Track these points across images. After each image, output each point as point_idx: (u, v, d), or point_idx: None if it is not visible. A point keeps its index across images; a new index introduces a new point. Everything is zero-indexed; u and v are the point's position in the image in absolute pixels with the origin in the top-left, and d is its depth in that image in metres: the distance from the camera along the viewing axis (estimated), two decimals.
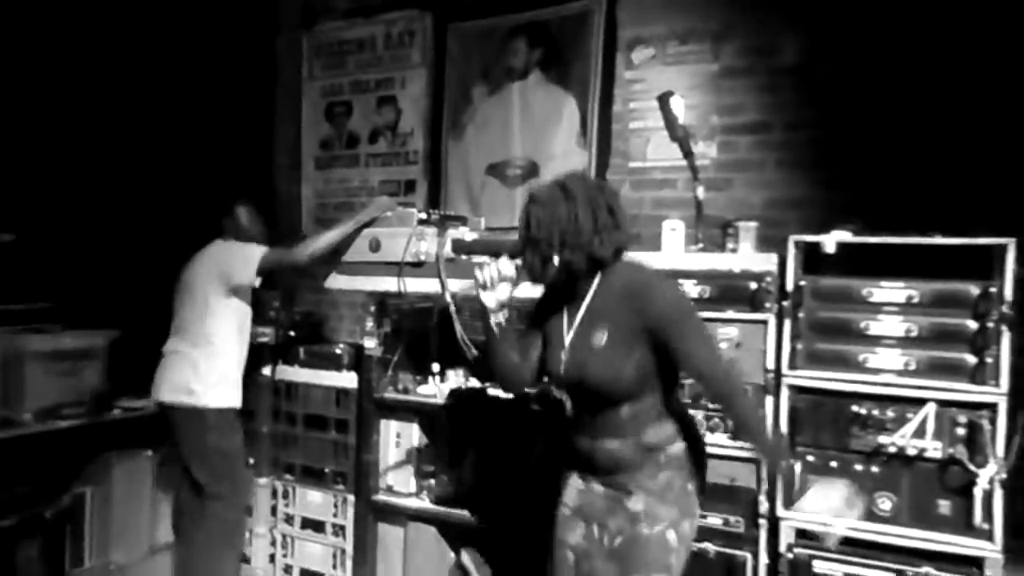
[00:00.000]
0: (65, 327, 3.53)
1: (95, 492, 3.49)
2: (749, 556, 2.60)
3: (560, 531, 2.16)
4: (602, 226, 1.95)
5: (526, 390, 2.54)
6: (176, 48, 4.06)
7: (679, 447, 2.05)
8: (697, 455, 2.10)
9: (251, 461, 3.52)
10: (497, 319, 2.13)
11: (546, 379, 2.23)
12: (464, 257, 2.89)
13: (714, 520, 2.65)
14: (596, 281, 2.04)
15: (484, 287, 2.11)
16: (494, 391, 3.08)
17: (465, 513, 3.03)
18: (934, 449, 2.38)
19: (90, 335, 3.57)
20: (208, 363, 3.05)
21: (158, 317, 3.23)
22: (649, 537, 1.98)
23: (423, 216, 3.03)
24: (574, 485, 2.15)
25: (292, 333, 3.77)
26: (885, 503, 2.45)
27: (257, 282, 3.14)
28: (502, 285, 2.11)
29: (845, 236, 2.54)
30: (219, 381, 3.07)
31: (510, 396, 3.00)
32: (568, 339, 2.06)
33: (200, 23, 4.15)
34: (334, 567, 3.40)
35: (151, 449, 3.67)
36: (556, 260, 1.97)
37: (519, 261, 2.09)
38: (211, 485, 3.05)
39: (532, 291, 2.21)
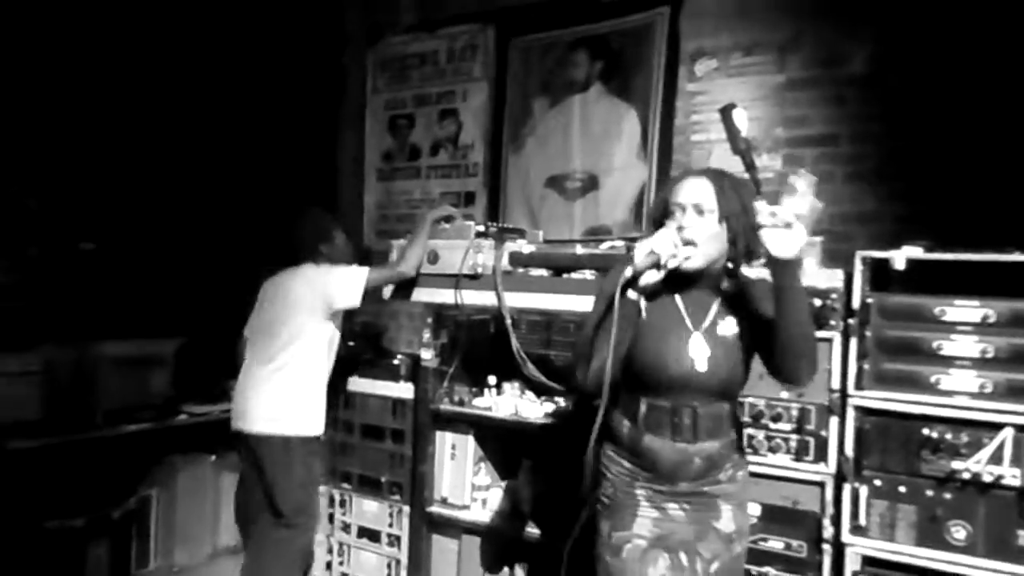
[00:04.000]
0: (137, 333, 3.64)
1: (160, 495, 3.58)
2: None
3: (638, 566, 1.94)
4: None
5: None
6: (249, 63, 4.19)
7: (736, 439, 2.04)
8: None
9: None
10: (635, 296, 1.86)
11: (634, 381, 1.98)
12: (521, 270, 2.89)
13: (776, 544, 2.57)
14: (728, 280, 1.99)
15: (658, 265, 1.83)
16: (549, 405, 3.07)
17: (518, 528, 3.00)
18: (1012, 476, 2.26)
19: (159, 342, 3.67)
20: (299, 391, 2.99)
21: (223, 324, 3.29)
22: (742, 555, 2.00)
23: (481, 228, 3.03)
24: (646, 514, 1.97)
25: (351, 343, 3.81)
26: (959, 532, 2.33)
27: (354, 306, 3.03)
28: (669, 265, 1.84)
29: (916, 252, 2.44)
30: (308, 408, 3.01)
31: (569, 407, 2.98)
32: (701, 333, 1.93)
33: (272, 39, 4.27)
34: None
35: (214, 454, 3.75)
36: (747, 254, 1.89)
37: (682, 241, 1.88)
38: (290, 516, 3.00)
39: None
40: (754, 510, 2.59)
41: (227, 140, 4.12)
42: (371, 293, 3.03)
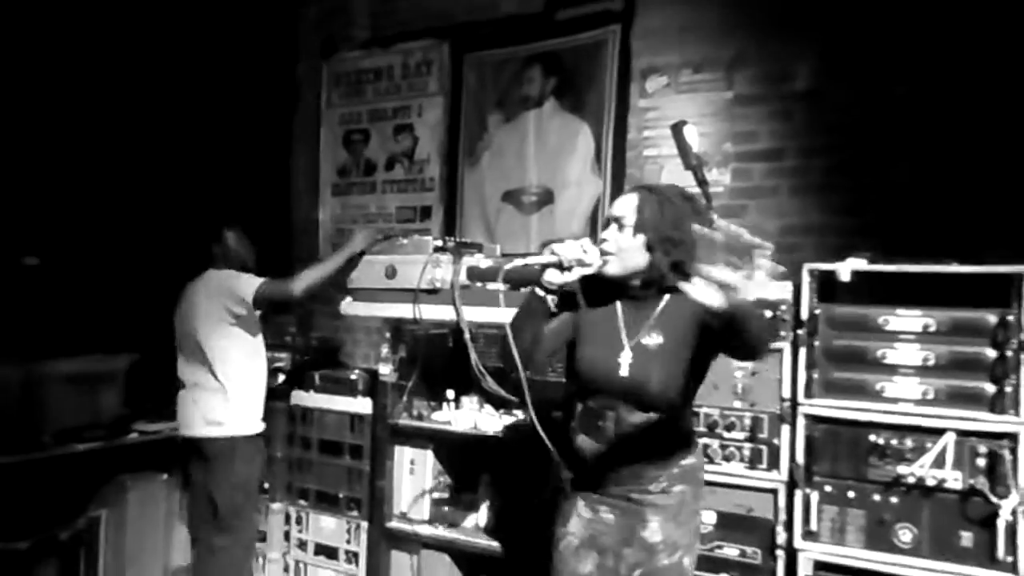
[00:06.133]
0: (84, 350, 3.56)
1: (110, 515, 3.49)
2: None
3: (568, 563, 2.09)
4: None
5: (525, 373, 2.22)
6: (201, 76, 4.14)
7: (693, 461, 2.06)
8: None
9: (266, 486, 3.52)
10: (550, 302, 2.05)
11: (573, 382, 2.12)
12: (479, 284, 2.91)
13: (730, 551, 2.63)
14: (668, 296, 2.02)
15: (561, 267, 2.00)
16: (508, 419, 3.08)
17: (479, 541, 3.01)
18: (954, 480, 2.35)
19: (109, 359, 3.60)
20: (231, 393, 3.06)
21: (174, 341, 3.26)
22: (669, 568, 1.98)
23: (438, 243, 3.04)
24: (581, 514, 2.09)
25: (307, 358, 3.78)
26: (906, 535, 2.41)
27: (257, 313, 3.11)
28: (577, 270, 2.00)
29: (860, 264, 2.54)
30: (245, 409, 3.09)
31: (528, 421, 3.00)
32: (630, 342, 2.01)
33: (224, 53, 4.22)
34: None
35: (166, 473, 3.67)
36: (675, 267, 1.94)
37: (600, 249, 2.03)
38: (228, 518, 3.06)
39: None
40: (709, 518, 2.64)
41: (178, 153, 4.06)
42: (266, 303, 3.10)
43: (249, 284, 3.04)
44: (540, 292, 2.05)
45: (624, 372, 2.00)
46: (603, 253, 2.02)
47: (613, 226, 2.03)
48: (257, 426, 3.14)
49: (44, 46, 3.58)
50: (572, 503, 2.12)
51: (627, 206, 2.01)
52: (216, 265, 3.17)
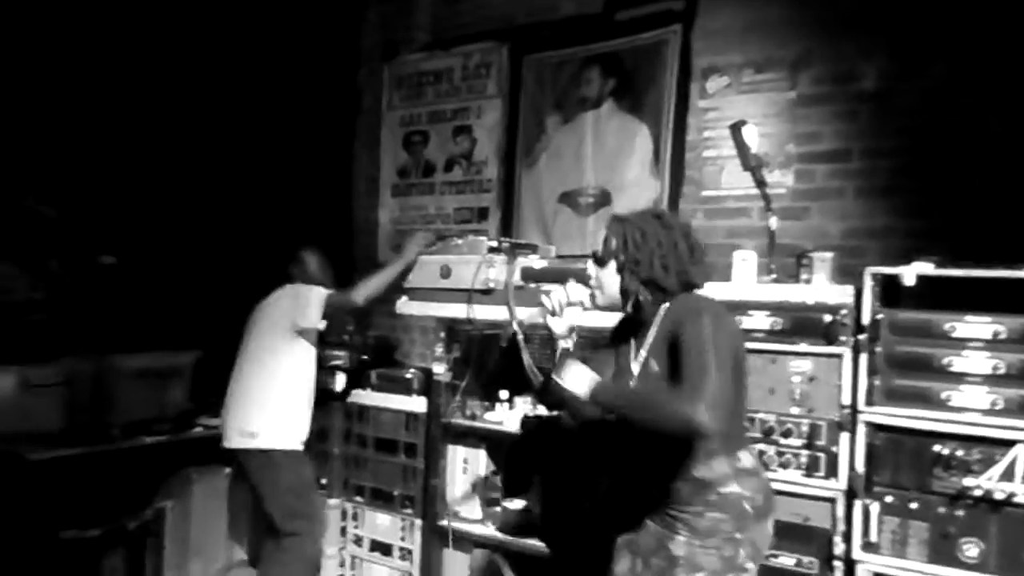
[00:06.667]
0: (155, 346, 3.69)
1: (175, 507, 3.60)
2: None
3: (613, 561, 2.18)
4: (698, 256, 2.08)
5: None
6: (268, 80, 4.25)
7: (734, 490, 1.97)
8: (760, 503, 2.01)
9: (323, 482, 3.59)
10: (565, 345, 2.18)
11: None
12: (533, 285, 2.91)
13: (786, 560, 2.57)
14: (662, 310, 2.05)
15: (552, 313, 2.18)
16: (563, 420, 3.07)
17: (530, 542, 3.01)
18: None
19: (176, 355, 3.72)
20: (273, 404, 3.15)
21: (239, 338, 3.36)
22: None
23: (493, 244, 3.06)
24: (630, 519, 2.14)
25: (365, 357, 3.84)
26: (972, 550, 2.32)
27: (322, 324, 3.22)
28: (570, 310, 2.17)
29: (926, 268, 2.44)
30: (284, 422, 3.16)
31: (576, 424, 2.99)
32: (636, 368, 2.07)
33: (290, 57, 4.33)
34: None
35: (229, 467, 3.77)
36: (647, 284, 2.04)
37: (587, 286, 2.17)
38: (287, 524, 3.13)
39: (604, 318, 2.26)
40: None
41: (245, 155, 4.18)
42: (336, 315, 3.27)
43: (318, 296, 3.16)
44: (562, 343, 2.20)
45: None
46: (590, 289, 2.16)
47: (591, 262, 2.17)
48: (296, 443, 3.19)
49: (119, 54, 3.73)
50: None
51: (600, 241, 2.14)
52: (293, 281, 3.32)
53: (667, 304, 2.05)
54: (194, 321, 3.83)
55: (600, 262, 2.13)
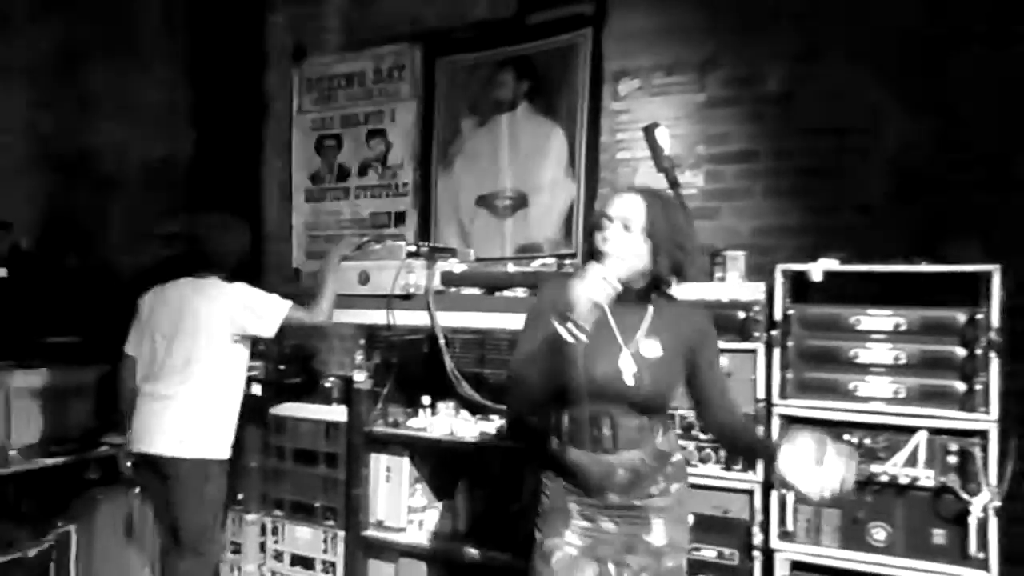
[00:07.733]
0: (53, 363, 3.49)
1: (80, 530, 3.43)
2: None
3: (566, 574, 1.98)
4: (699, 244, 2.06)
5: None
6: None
7: (680, 458, 2.06)
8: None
9: (239, 497, 3.47)
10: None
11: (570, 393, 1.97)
12: (453, 289, 2.90)
13: (708, 552, 2.63)
14: (662, 300, 2.01)
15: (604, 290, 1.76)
16: (485, 424, 3.07)
17: (457, 548, 2.99)
18: (926, 478, 2.37)
19: (79, 371, 3.53)
20: (210, 411, 2.91)
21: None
22: (674, 570, 1.98)
23: (412, 249, 3.03)
24: (577, 524, 2.00)
25: (282, 366, 3.74)
26: (879, 533, 2.43)
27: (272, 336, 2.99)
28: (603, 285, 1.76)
29: (832, 264, 2.55)
30: (219, 430, 2.94)
31: (504, 426, 2.99)
32: (628, 348, 1.95)
33: (192, 56, 4.18)
34: None
35: (138, 487, 3.61)
36: (675, 269, 1.94)
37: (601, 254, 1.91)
38: (199, 543, 2.91)
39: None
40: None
41: (150, 159, 4.01)
42: (284, 330, 2.96)
43: (278, 307, 2.92)
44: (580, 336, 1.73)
45: (629, 380, 1.92)
46: (603, 254, 1.89)
47: (616, 227, 1.92)
48: (227, 451, 2.98)
49: None
50: (564, 511, 2.01)
51: (633, 209, 1.92)
52: (226, 277, 3.00)
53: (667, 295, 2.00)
54: (98, 335, 3.65)
55: (629, 230, 1.91)
